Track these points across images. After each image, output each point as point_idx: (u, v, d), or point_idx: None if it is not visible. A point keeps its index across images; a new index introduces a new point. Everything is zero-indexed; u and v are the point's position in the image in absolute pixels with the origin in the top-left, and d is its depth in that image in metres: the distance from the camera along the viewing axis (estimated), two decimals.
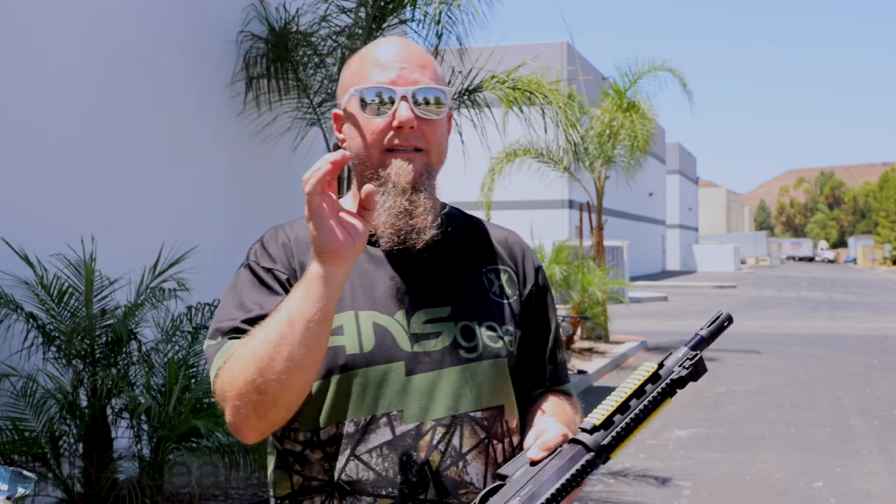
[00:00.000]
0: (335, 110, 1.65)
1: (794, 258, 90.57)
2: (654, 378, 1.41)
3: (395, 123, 1.53)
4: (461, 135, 7.53)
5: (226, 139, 7.23)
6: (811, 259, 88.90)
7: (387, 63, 1.57)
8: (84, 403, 4.71)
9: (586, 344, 14.09)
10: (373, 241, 1.59)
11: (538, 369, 1.70)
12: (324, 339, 1.40)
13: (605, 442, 1.36)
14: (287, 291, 1.52)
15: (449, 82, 7.00)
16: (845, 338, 16.71)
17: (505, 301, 1.65)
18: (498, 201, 17.23)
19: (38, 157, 5.39)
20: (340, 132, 1.63)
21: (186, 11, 6.78)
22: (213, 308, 5.24)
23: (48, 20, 5.46)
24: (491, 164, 14.04)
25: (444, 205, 1.69)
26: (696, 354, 1.43)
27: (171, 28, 6.61)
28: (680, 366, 1.42)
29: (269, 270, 1.56)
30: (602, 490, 6.28)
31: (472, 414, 1.53)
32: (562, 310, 13.78)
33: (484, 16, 7.31)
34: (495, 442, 1.56)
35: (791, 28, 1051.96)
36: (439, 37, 7.26)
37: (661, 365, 1.42)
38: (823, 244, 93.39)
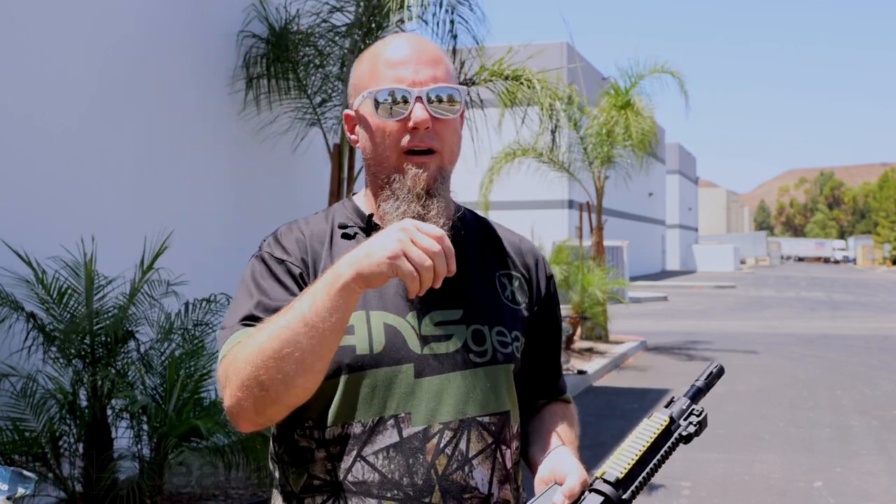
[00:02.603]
0: (346, 111, 1.62)
1: (819, 259, 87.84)
2: (666, 431, 1.47)
3: (410, 125, 1.51)
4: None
5: (226, 139, 7.23)
6: (827, 260, 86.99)
7: (399, 62, 1.53)
8: (84, 403, 4.71)
9: (586, 344, 14.10)
10: None
11: (544, 379, 1.71)
12: (335, 347, 1.39)
13: (625, 496, 1.42)
14: (299, 286, 1.51)
15: None
16: (845, 338, 16.71)
17: (516, 307, 1.64)
18: (498, 201, 17.24)
19: (38, 157, 5.39)
20: (353, 133, 1.61)
21: (186, 11, 6.78)
22: (209, 303, 5.22)
23: (48, 20, 5.46)
24: (490, 164, 14.03)
25: (458, 207, 1.67)
26: (702, 410, 1.50)
27: (171, 28, 6.61)
28: (687, 421, 1.49)
29: (281, 262, 1.54)
30: None
31: (479, 418, 1.52)
32: (562, 309, 13.78)
33: (479, 10, 7.33)
34: (503, 447, 1.55)
35: (791, 28, 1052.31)
36: (454, 36, 7.27)
37: (671, 419, 1.47)
38: (839, 244, 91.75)
